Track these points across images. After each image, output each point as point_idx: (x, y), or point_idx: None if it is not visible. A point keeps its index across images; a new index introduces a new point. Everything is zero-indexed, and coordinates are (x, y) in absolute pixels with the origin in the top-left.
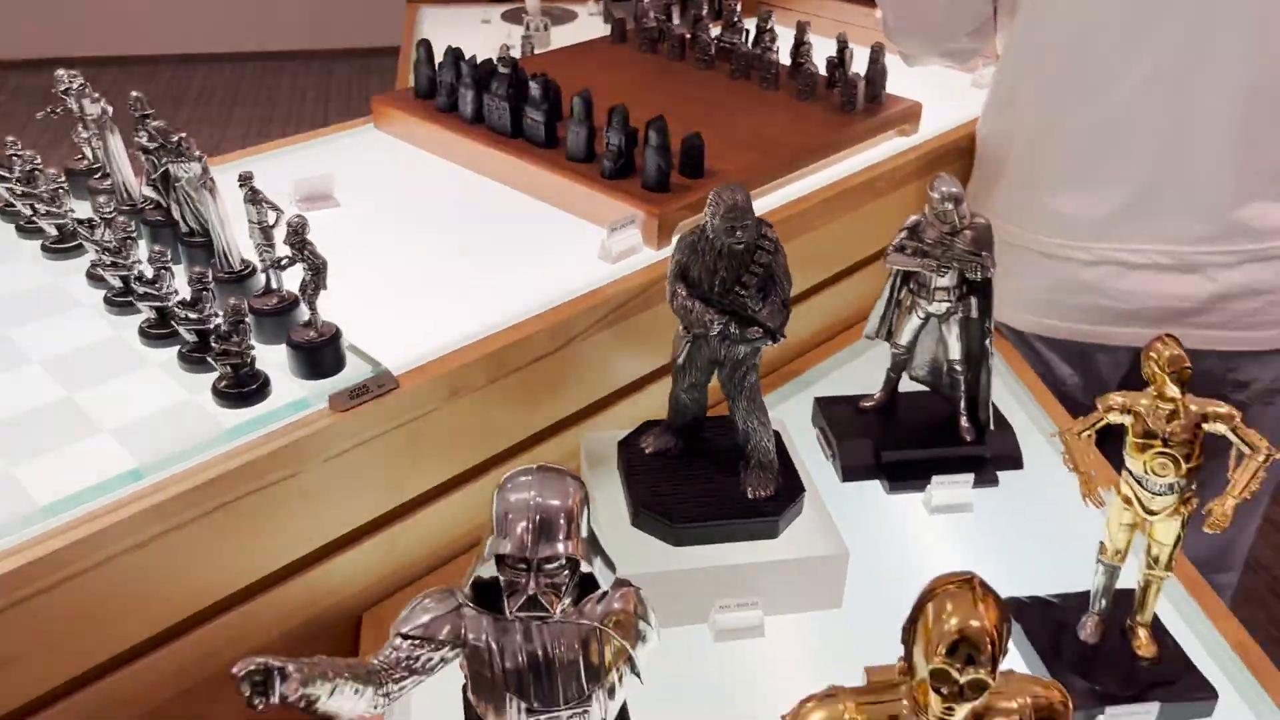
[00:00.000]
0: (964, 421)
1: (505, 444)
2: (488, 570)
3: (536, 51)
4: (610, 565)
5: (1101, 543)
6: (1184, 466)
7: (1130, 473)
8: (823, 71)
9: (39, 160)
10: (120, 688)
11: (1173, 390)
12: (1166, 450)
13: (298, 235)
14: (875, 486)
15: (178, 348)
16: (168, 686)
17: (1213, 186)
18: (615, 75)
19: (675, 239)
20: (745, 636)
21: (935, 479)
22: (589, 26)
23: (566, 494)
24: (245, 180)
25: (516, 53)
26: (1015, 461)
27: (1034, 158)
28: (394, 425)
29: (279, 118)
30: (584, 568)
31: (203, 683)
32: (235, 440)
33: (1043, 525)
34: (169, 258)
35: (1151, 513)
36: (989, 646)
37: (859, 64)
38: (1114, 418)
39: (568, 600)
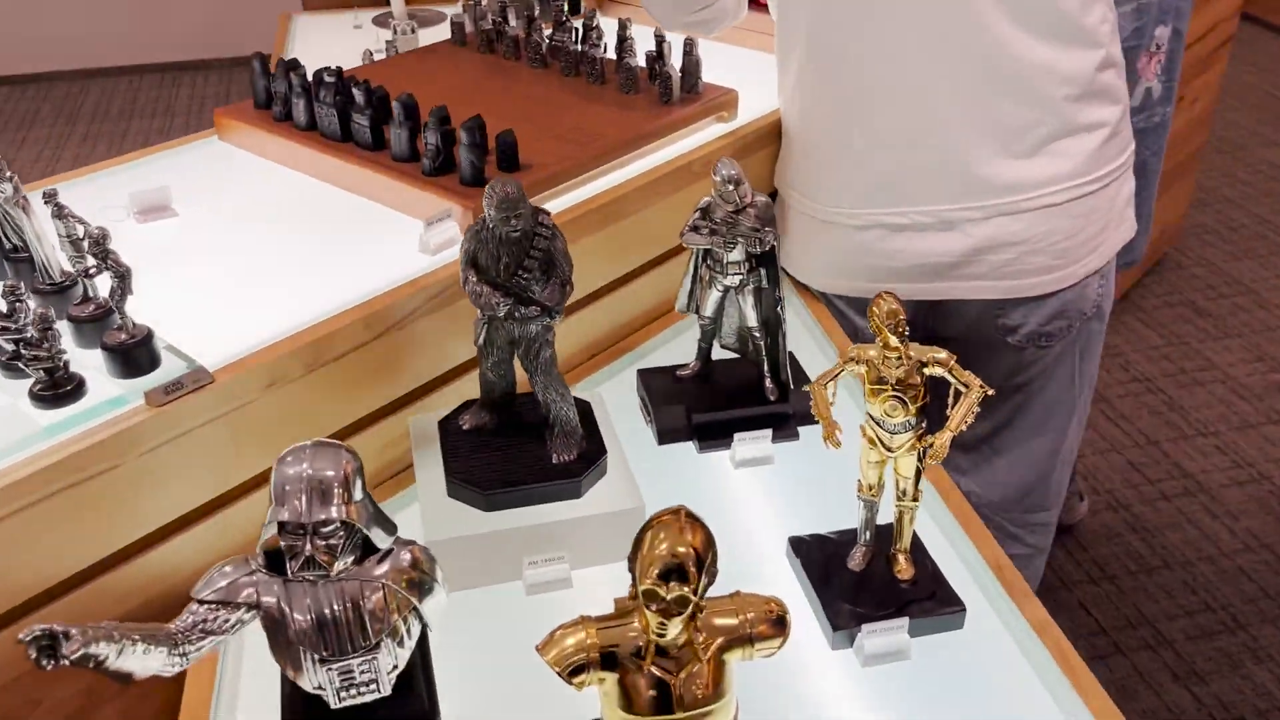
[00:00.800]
0: (768, 383)
1: (330, 429)
2: (273, 539)
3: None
4: (390, 527)
5: (858, 480)
6: (911, 407)
7: (870, 416)
8: (643, 65)
9: None
10: None
11: (894, 340)
12: (895, 394)
13: (99, 245)
14: (689, 447)
15: None
16: (6, 670)
17: (958, 150)
18: (451, 78)
19: (466, 231)
20: (554, 589)
21: (737, 436)
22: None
23: (338, 463)
24: (50, 198)
25: (381, 56)
26: (807, 417)
27: (804, 132)
28: (212, 417)
29: (177, 128)
30: (362, 530)
31: (23, 676)
32: (52, 438)
33: (837, 472)
34: None
35: (891, 450)
36: (691, 567)
37: (678, 56)
38: (851, 368)
39: (349, 559)
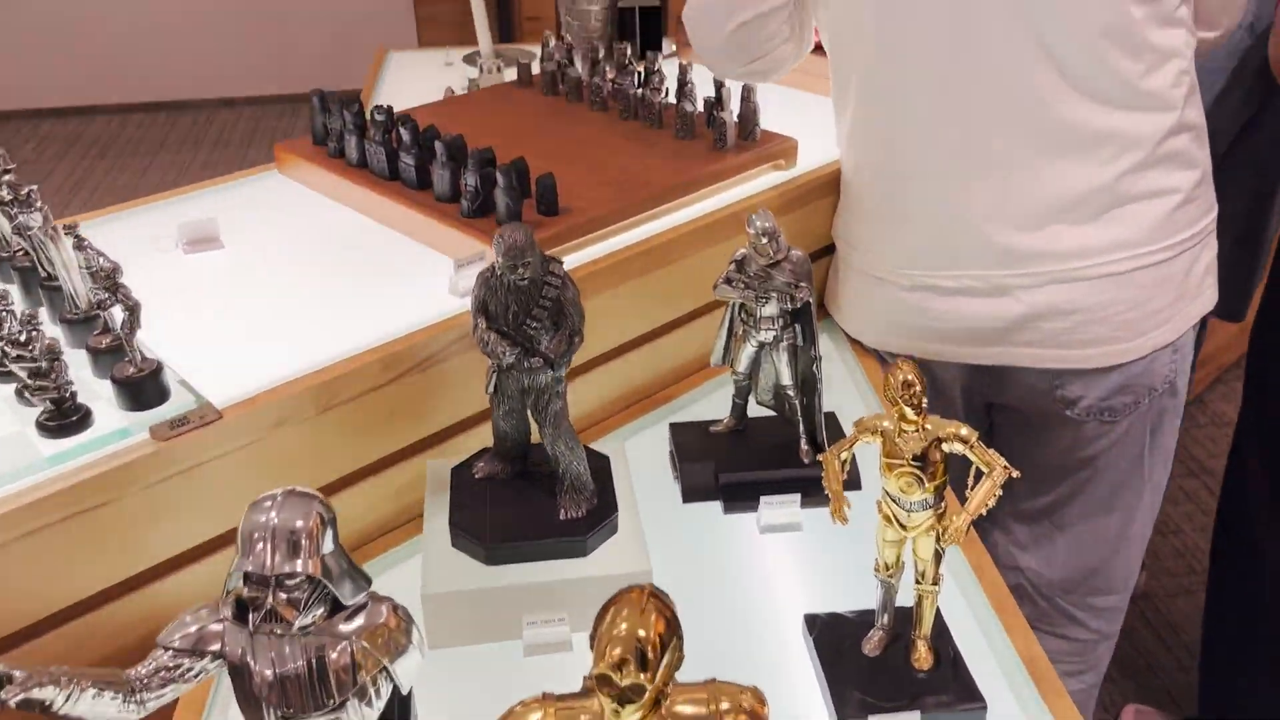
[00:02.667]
0: (803, 444)
1: (342, 471)
2: (237, 588)
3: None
4: (362, 582)
5: (875, 559)
6: (929, 485)
7: (886, 492)
8: (701, 110)
9: None
10: None
11: (910, 414)
12: (912, 469)
13: (110, 279)
14: (715, 507)
15: (14, 385)
16: None
17: (1011, 213)
18: (509, 118)
19: (477, 277)
20: (553, 651)
21: (764, 499)
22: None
23: (308, 514)
24: (71, 230)
25: (464, 94)
26: (853, 482)
27: (856, 186)
28: (218, 454)
29: None
30: (327, 585)
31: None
32: (54, 468)
33: (868, 543)
34: (10, 301)
35: (907, 529)
36: (650, 653)
37: (737, 103)
38: (866, 439)
39: (316, 613)
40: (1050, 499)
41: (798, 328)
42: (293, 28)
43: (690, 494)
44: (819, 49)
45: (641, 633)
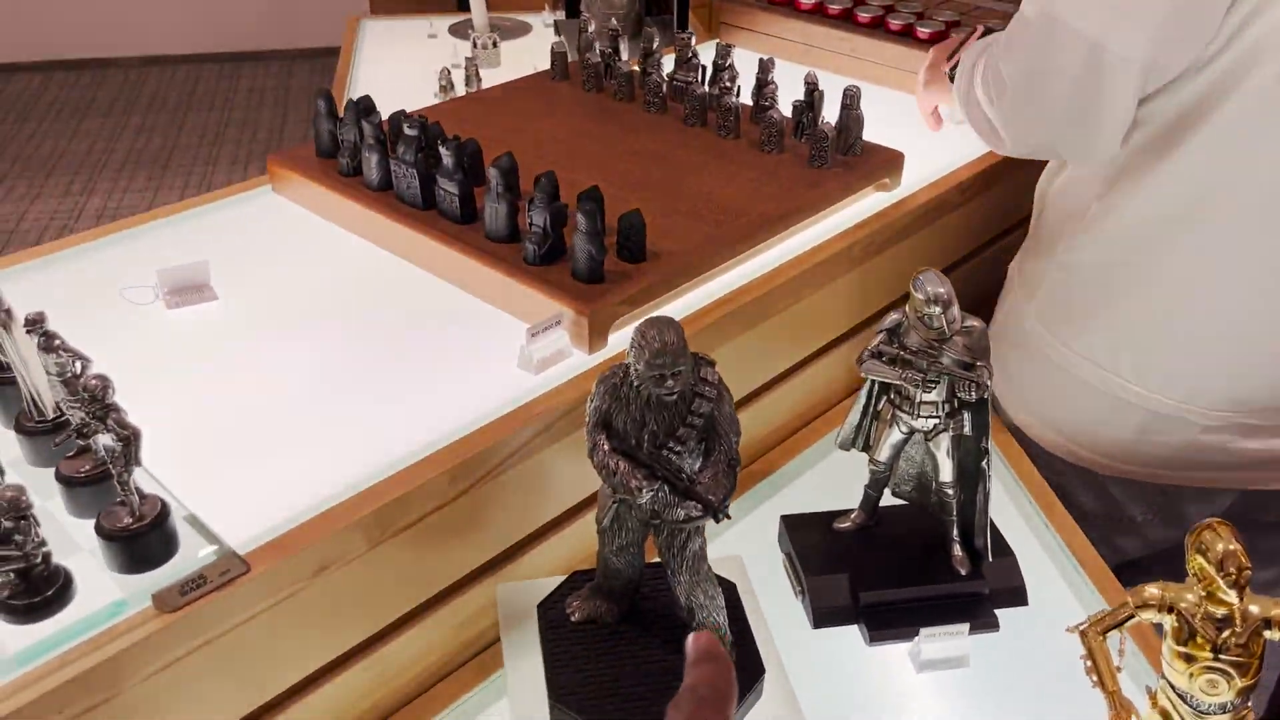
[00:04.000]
0: (956, 550)
1: (403, 609)
2: None
3: (483, 73)
4: None
5: None
6: (1239, 683)
7: (1170, 684)
8: (788, 115)
9: None
10: None
11: (1228, 595)
12: (1217, 664)
13: (97, 401)
14: (852, 633)
15: None
16: None
17: None
18: (552, 123)
19: (597, 380)
20: None
21: (924, 631)
22: (543, 39)
23: None
24: (34, 326)
25: (460, 75)
26: (1018, 596)
27: (1164, 306)
28: (244, 619)
29: (235, 121)
30: None
31: None
32: (25, 667)
33: (1050, 678)
34: None
35: None
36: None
37: (830, 105)
38: (1149, 616)
39: None
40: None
41: (965, 415)
42: None
43: (822, 618)
44: (912, 35)
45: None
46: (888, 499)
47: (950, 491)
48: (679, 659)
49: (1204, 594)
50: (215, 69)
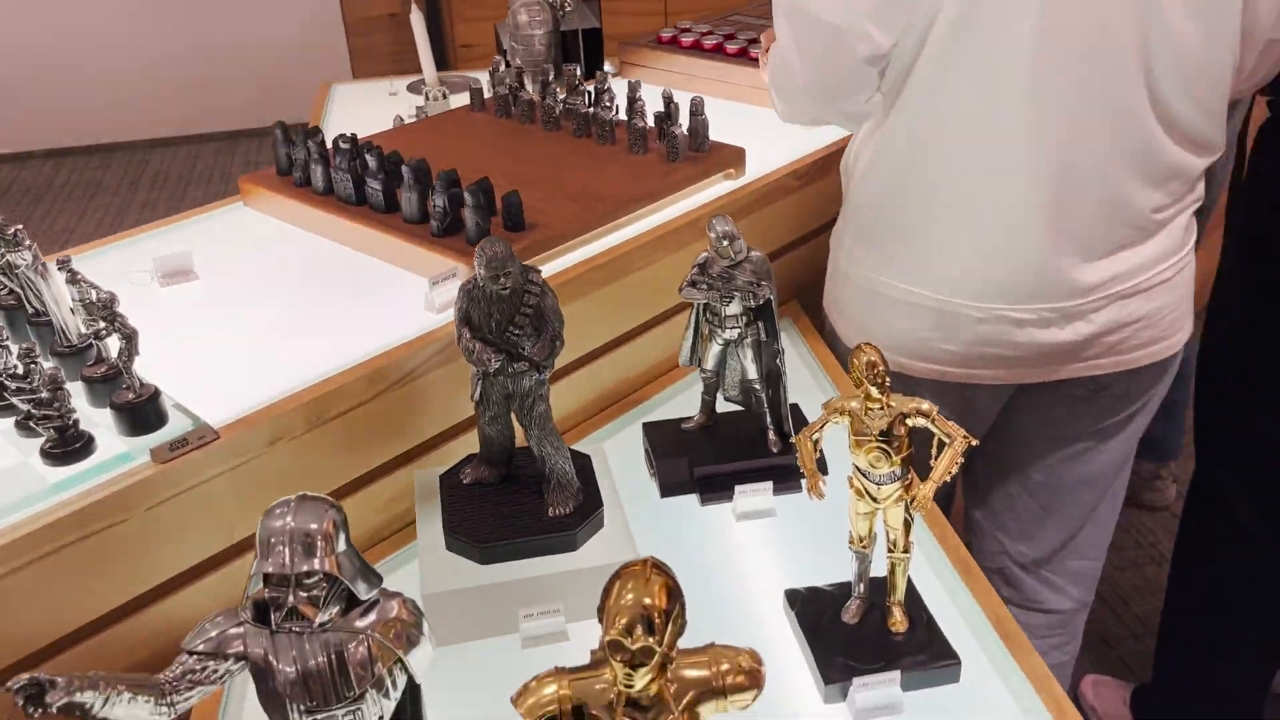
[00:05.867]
0: (771, 435)
1: (334, 484)
2: (258, 590)
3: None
4: (374, 579)
5: (849, 532)
6: (896, 458)
7: (856, 467)
8: (652, 125)
9: None
10: None
11: (875, 392)
12: (879, 445)
13: (107, 309)
14: (692, 500)
15: (14, 418)
16: None
17: (1085, 243)
18: (467, 141)
19: (459, 289)
20: (550, 642)
21: (738, 488)
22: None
23: (321, 517)
24: (64, 264)
25: (413, 121)
26: (819, 466)
27: (921, 223)
28: (217, 473)
29: (233, 192)
30: (343, 582)
31: None
32: (60, 494)
33: (838, 524)
34: (5, 337)
35: (878, 501)
36: (657, 618)
37: (685, 118)
38: (835, 419)
39: (333, 610)
40: (1044, 477)
41: (760, 325)
42: (224, 65)
43: (668, 489)
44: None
45: (647, 600)
46: (723, 406)
47: (758, 387)
48: (537, 501)
49: (864, 396)
50: (214, 146)
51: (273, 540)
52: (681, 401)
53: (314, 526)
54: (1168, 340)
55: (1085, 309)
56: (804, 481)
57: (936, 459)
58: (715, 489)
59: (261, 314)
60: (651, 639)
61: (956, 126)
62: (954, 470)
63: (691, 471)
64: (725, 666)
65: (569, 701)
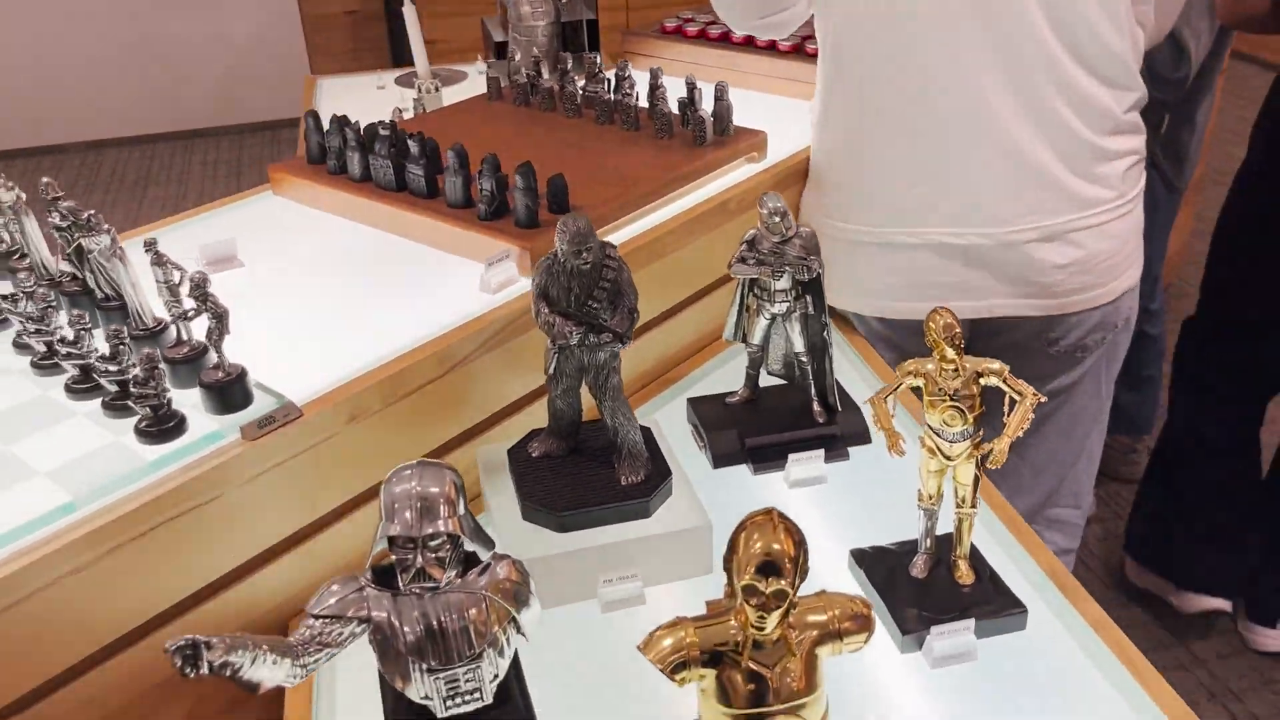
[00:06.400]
0: (815, 406)
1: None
2: (381, 554)
3: (427, 111)
4: (488, 542)
5: (918, 490)
6: (969, 416)
7: (930, 427)
8: (676, 111)
9: None
10: (75, 694)
11: (950, 353)
12: (953, 404)
13: (200, 289)
14: (743, 470)
15: (100, 399)
16: (116, 695)
17: (1016, 171)
18: (492, 128)
19: (535, 265)
20: (628, 606)
21: (792, 457)
22: (477, 84)
23: (443, 480)
24: (150, 246)
25: (410, 114)
26: (863, 436)
27: (851, 155)
28: (301, 450)
29: (192, 194)
30: (465, 544)
31: (147, 692)
32: (158, 471)
33: (887, 489)
34: (88, 321)
35: (950, 458)
36: (787, 563)
37: (708, 101)
38: (910, 381)
39: (453, 572)
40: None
41: (808, 298)
42: (180, 64)
43: (720, 459)
44: (775, 50)
45: (776, 546)
46: (766, 380)
47: (805, 360)
48: (608, 471)
49: (938, 358)
50: (169, 147)
51: (399, 504)
52: (719, 377)
53: (437, 490)
54: (1105, 287)
55: (1016, 239)
56: (877, 447)
57: (1008, 416)
58: (766, 459)
59: (313, 299)
60: (784, 582)
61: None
62: (1026, 425)
63: (742, 442)
64: (838, 611)
65: (697, 647)
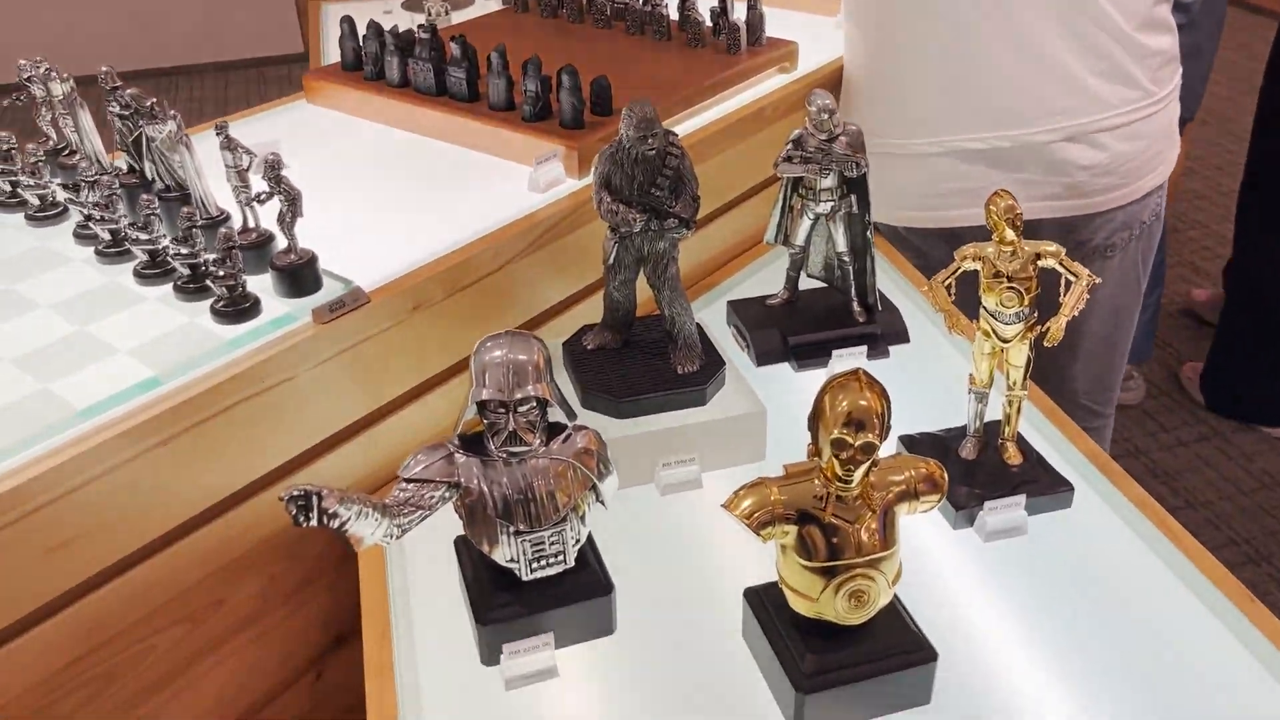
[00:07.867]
0: (855, 306)
1: (464, 351)
2: (471, 422)
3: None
4: (571, 412)
5: (970, 375)
6: (1026, 298)
7: (986, 309)
8: (708, 21)
9: (13, 140)
10: (155, 570)
11: (1010, 234)
12: (1011, 285)
13: (274, 170)
14: (785, 368)
15: (171, 284)
16: (194, 570)
17: (1044, 73)
18: (522, 39)
19: (597, 155)
20: (686, 489)
21: (835, 353)
22: (487, 8)
23: (531, 349)
24: (221, 129)
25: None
26: (902, 336)
27: (883, 72)
28: (369, 335)
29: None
30: (551, 411)
31: (222, 568)
32: (237, 350)
33: (927, 385)
34: (156, 206)
35: (1005, 340)
36: (874, 418)
37: (740, 12)
38: (968, 264)
39: (541, 438)
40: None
41: (853, 197)
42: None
43: (763, 357)
44: None
45: (863, 403)
46: (805, 284)
47: (846, 259)
48: (663, 361)
49: (998, 241)
50: (152, 83)
51: (491, 369)
52: (756, 283)
53: (526, 357)
54: (1130, 186)
55: (1039, 140)
56: (926, 337)
57: (1064, 296)
58: (810, 356)
59: (362, 199)
60: (871, 435)
61: None
62: (1081, 305)
63: (785, 341)
64: (912, 473)
65: (781, 505)
